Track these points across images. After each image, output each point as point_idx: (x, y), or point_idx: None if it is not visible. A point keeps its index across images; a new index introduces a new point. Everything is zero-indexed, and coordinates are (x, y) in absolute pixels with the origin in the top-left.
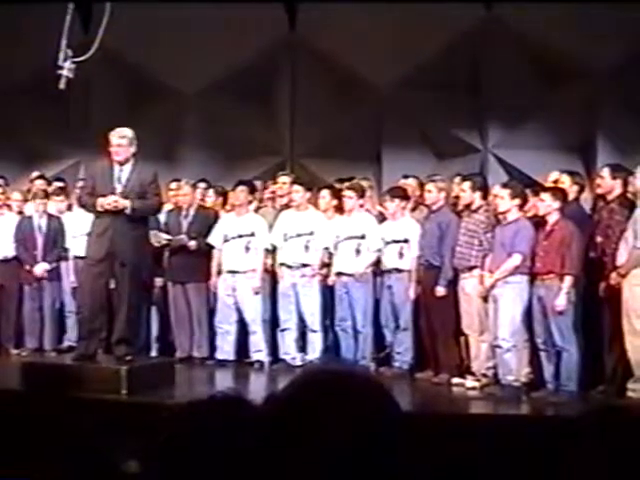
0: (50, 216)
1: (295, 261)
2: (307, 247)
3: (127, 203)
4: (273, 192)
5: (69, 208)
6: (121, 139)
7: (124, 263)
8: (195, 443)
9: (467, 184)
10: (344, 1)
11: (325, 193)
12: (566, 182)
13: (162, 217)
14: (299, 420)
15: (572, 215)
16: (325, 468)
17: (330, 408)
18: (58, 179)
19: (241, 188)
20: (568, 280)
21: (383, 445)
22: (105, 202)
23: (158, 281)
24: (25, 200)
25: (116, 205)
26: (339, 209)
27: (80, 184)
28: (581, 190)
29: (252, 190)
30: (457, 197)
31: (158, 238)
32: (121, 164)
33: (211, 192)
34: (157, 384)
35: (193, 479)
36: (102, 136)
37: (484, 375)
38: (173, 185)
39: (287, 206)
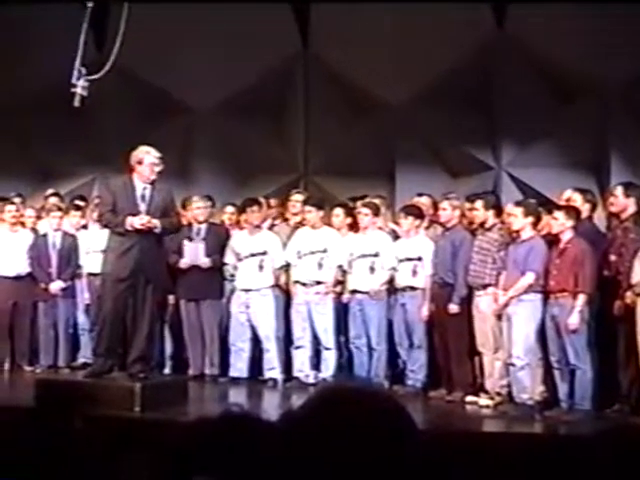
0: (65, 233)
1: (309, 278)
2: (321, 265)
3: (157, 223)
4: (287, 210)
5: (85, 226)
6: (158, 159)
7: (149, 281)
8: (205, 460)
9: (479, 203)
10: (356, 1)
11: (339, 211)
12: (578, 200)
13: None
14: (316, 437)
15: (585, 233)
16: None
17: (347, 425)
18: (80, 197)
19: (253, 209)
20: (581, 298)
21: (400, 462)
22: (138, 222)
23: (170, 298)
24: (39, 217)
25: (149, 225)
26: (353, 227)
27: (96, 201)
28: (593, 208)
29: (260, 207)
30: (464, 215)
31: None
32: (146, 182)
33: (231, 208)
34: (170, 401)
35: None
36: (122, 154)
37: (498, 393)
38: (187, 202)
39: (301, 223)
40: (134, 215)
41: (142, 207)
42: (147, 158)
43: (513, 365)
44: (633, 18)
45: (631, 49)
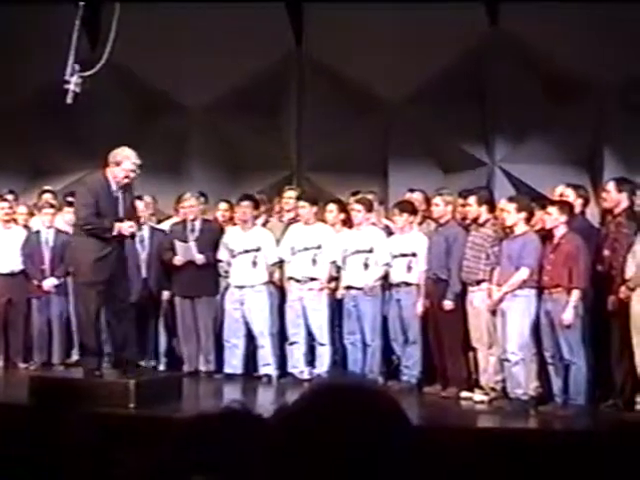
0: (58, 230)
1: (303, 275)
2: (315, 261)
3: (135, 228)
4: (280, 207)
5: None
6: (137, 167)
7: (120, 284)
8: (204, 456)
9: (473, 198)
10: (350, 1)
11: (332, 207)
12: (570, 196)
13: (166, 229)
14: (310, 433)
15: (578, 229)
16: None
17: (341, 421)
18: (73, 194)
19: (246, 204)
20: (575, 294)
21: (394, 458)
22: (127, 229)
23: (165, 295)
24: (31, 214)
25: (132, 231)
26: (346, 223)
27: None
28: (585, 203)
29: (256, 205)
30: (456, 211)
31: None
32: (117, 184)
33: (224, 205)
34: (165, 398)
35: None
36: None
37: (492, 389)
38: (180, 199)
39: (295, 220)
40: (117, 219)
41: (120, 211)
42: (125, 163)
43: (507, 360)
44: (627, 16)
45: (625, 47)
